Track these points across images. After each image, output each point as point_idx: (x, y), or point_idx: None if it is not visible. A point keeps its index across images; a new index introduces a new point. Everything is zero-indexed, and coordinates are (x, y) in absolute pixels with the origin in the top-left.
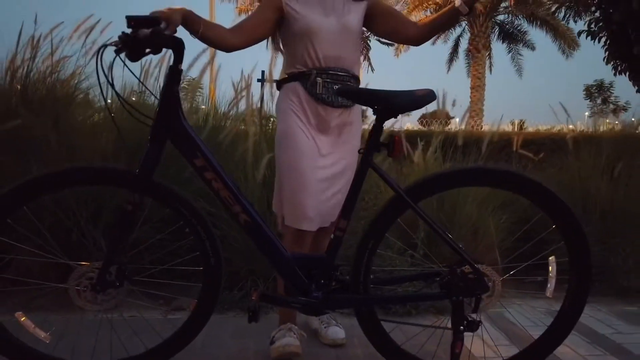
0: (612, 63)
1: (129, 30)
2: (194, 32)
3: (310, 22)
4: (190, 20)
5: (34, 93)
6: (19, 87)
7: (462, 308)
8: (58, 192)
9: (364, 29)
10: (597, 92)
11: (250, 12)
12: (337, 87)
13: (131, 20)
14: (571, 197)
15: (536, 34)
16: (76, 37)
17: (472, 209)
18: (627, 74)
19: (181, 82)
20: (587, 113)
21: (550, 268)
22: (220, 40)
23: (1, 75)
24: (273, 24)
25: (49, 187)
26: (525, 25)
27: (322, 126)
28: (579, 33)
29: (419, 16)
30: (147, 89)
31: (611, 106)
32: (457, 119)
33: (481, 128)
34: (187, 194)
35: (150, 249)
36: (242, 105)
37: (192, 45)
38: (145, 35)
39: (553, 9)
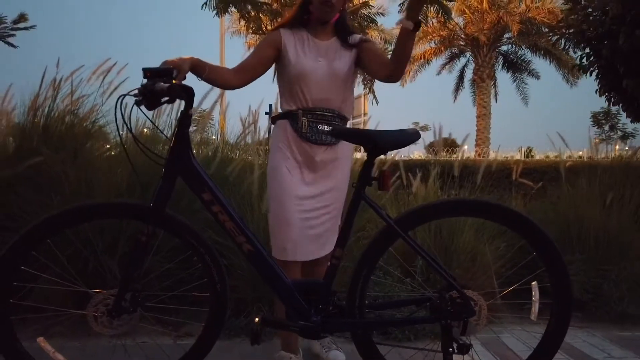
0: (605, 95)
1: (141, 75)
2: (200, 76)
3: (303, 67)
4: (198, 67)
5: (54, 130)
6: (40, 125)
7: (450, 331)
8: (79, 226)
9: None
10: (604, 119)
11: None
12: (321, 126)
13: (147, 72)
14: (566, 225)
15: (540, 63)
16: (94, 78)
17: (470, 236)
18: (620, 105)
19: (193, 115)
20: (595, 140)
21: (533, 292)
22: (224, 81)
23: (25, 115)
24: (272, 61)
25: (70, 222)
26: (528, 55)
27: (308, 161)
28: (572, 68)
29: (424, 48)
30: (161, 131)
31: (619, 133)
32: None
33: (487, 155)
34: (197, 225)
35: (161, 276)
36: (250, 138)
37: (204, 83)
38: (161, 88)
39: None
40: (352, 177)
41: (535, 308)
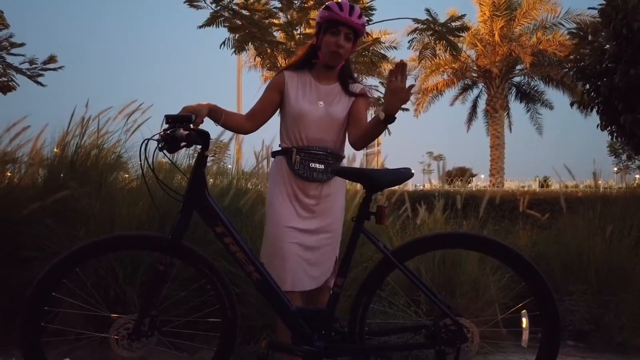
0: (607, 129)
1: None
2: (217, 122)
3: (301, 108)
4: (215, 113)
5: (80, 165)
6: (68, 160)
7: (444, 357)
8: (105, 256)
9: (381, 95)
10: (622, 149)
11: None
12: (313, 164)
13: (169, 118)
14: (567, 256)
15: (554, 93)
16: (120, 118)
17: (473, 266)
18: (622, 139)
19: (208, 155)
20: (614, 169)
21: (523, 320)
22: (239, 126)
23: (54, 150)
24: (278, 103)
25: (97, 253)
26: (541, 86)
27: (302, 197)
28: (572, 103)
29: (436, 80)
30: (179, 170)
31: (637, 162)
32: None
33: (502, 185)
34: (210, 255)
35: (176, 303)
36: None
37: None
38: (181, 135)
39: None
40: (352, 211)
41: (525, 335)
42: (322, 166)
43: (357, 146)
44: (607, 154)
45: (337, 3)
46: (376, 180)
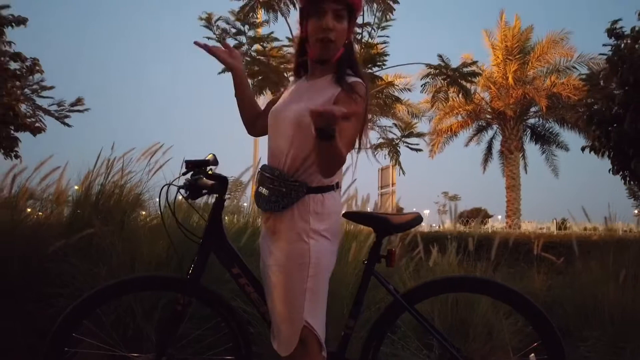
0: (620, 174)
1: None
2: (236, 92)
3: (272, 110)
4: (241, 82)
5: (103, 204)
6: (92, 199)
7: None
8: (126, 296)
9: (395, 136)
10: None
11: None
12: (261, 188)
13: (189, 164)
14: (582, 301)
15: (569, 135)
16: (143, 158)
17: (486, 309)
18: (633, 183)
19: (226, 200)
20: (635, 211)
21: None
22: (249, 116)
23: (79, 190)
24: None
25: (117, 294)
26: (556, 128)
27: (264, 226)
28: (583, 148)
29: (450, 121)
30: (197, 212)
31: None
32: (500, 217)
33: (519, 227)
34: (226, 295)
35: (192, 341)
36: None
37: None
38: (204, 184)
39: (578, 115)
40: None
41: None
42: (267, 192)
43: (317, 169)
44: (626, 197)
45: None
46: (386, 224)
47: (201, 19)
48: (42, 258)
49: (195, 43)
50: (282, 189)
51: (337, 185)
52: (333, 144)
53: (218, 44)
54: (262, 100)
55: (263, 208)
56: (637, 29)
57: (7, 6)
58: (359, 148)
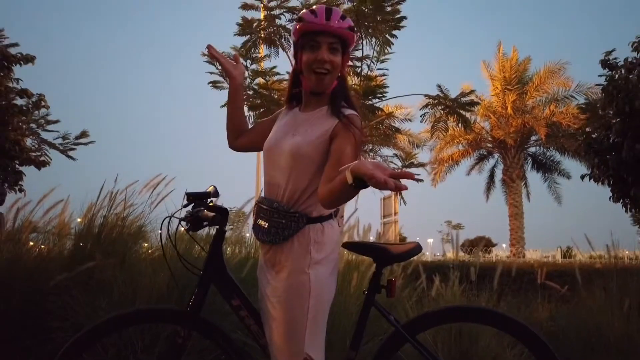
0: (620, 201)
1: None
2: (228, 102)
3: (265, 145)
4: (237, 94)
5: (105, 237)
6: (94, 231)
7: None
8: (127, 329)
9: (396, 167)
10: None
11: None
12: (259, 221)
13: (190, 196)
14: (586, 330)
15: (571, 163)
16: (145, 190)
17: (490, 339)
18: (634, 210)
19: (227, 231)
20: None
21: None
22: (234, 131)
23: (81, 223)
24: (265, 135)
25: (118, 327)
26: (557, 156)
27: (263, 258)
28: (582, 177)
29: (451, 150)
30: (199, 245)
31: None
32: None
33: (524, 256)
34: (226, 327)
35: None
36: None
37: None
38: (205, 216)
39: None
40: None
41: None
42: (266, 224)
43: (323, 203)
44: (631, 224)
45: (310, 10)
46: (386, 254)
47: (204, 54)
48: (43, 292)
49: (209, 47)
50: (281, 220)
51: (335, 213)
52: (353, 191)
53: (221, 79)
54: None
55: (263, 241)
56: (629, 59)
57: (16, 44)
58: None
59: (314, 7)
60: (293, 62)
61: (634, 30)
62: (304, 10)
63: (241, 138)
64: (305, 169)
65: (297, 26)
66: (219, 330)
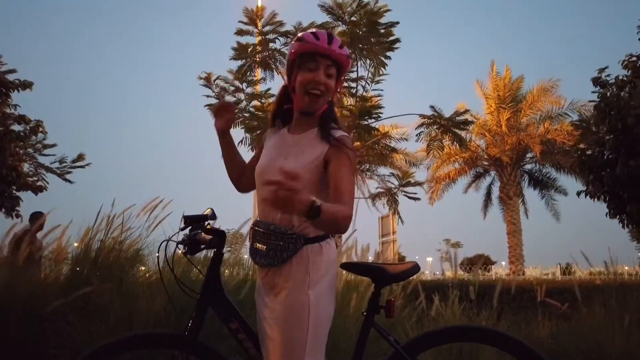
0: (617, 218)
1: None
2: (223, 153)
3: (257, 169)
4: (229, 146)
5: (102, 261)
6: (91, 256)
7: None
8: (125, 354)
9: (394, 186)
10: None
11: None
12: (256, 244)
13: (187, 219)
14: (587, 348)
15: (567, 179)
16: (143, 214)
17: (490, 359)
18: (631, 226)
19: (224, 254)
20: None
21: None
22: (236, 178)
23: (78, 248)
24: None
25: (114, 353)
26: (553, 173)
27: (261, 281)
28: (578, 193)
29: (447, 169)
30: (197, 268)
31: None
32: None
33: (523, 273)
34: (225, 350)
35: None
36: None
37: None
38: (202, 239)
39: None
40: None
41: None
42: (264, 247)
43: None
44: (629, 240)
45: (312, 32)
46: (384, 274)
47: (200, 78)
48: (40, 317)
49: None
50: (279, 242)
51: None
52: (324, 216)
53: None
54: None
55: (261, 264)
56: (620, 77)
57: (14, 71)
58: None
59: (314, 30)
60: (285, 79)
61: (625, 48)
62: (306, 32)
63: (243, 179)
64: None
65: (297, 45)
66: (217, 353)
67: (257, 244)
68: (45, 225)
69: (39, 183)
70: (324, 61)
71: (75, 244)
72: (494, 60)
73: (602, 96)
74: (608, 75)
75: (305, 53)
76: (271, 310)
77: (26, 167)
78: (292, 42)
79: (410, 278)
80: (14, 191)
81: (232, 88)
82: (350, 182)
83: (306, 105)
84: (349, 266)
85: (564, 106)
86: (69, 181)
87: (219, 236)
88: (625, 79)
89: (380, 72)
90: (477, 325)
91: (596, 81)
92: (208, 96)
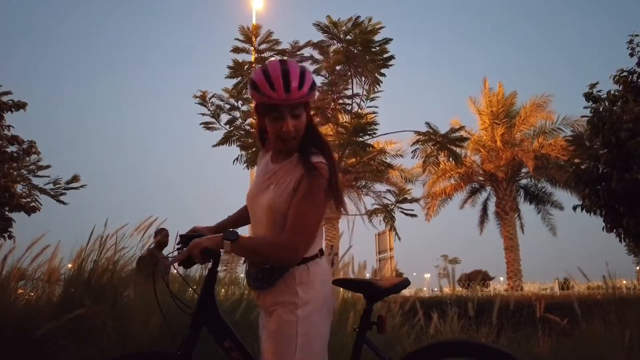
0: (614, 232)
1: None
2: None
3: (247, 196)
4: (218, 230)
5: (96, 282)
6: (84, 277)
7: None
8: None
9: (390, 202)
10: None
11: None
12: (249, 268)
13: (182, 238)
14: None
15: (563, 194)
16: (136, 233)
17: None
18: (627, 240)
19: (219, 272)
20: (637, 268)
21: None
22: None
23: (71, 269)
24: None
25: None
26: (549, 188)
27: (258, 303)
28: (574, 207)
29: (443, 184)
30: (190, 286)
31: None
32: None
33: (521, 288)
34: None
35: None
36: None
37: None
38: (195, 255)
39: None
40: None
41: None
42: (254, 270)
43: None
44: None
45: (267, 78)
46: (374, 289)
47: (195, 96)
48: (32, 341)
49: None
50: (266, 265)
51: (321, 252)
52: (235, 250)
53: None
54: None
55: (252, 287)
56: (612, 92)
57: (9, 92)
58: (339, 215)
59: (270, 71)
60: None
61: (616, 63)
62: (260, 76)
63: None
64: (282, 220)
65: (255, 95)
66: None
67: (250, 269)
68: (37, 246)
69: (32, 204)
70: (287, 108)
71: (69, 265)
72: (486, 77)
73: (595, 111)
74: (599, 91)
75: (266, 105)
76: (267, 330)
77: (19, 188)
78: (250, 81)
79: (408, 295)
80: (7, 212)
81: (227, 106)
82: (305, 212)
83: (281, 146)
84: (340, 282)
85: (557, 121)
86: (63, 202)
87: (214, 255)
88: (617, 93)
89: (375, 89)
90: (474, 341)
91: (588, 96)
92: (204, 114)
